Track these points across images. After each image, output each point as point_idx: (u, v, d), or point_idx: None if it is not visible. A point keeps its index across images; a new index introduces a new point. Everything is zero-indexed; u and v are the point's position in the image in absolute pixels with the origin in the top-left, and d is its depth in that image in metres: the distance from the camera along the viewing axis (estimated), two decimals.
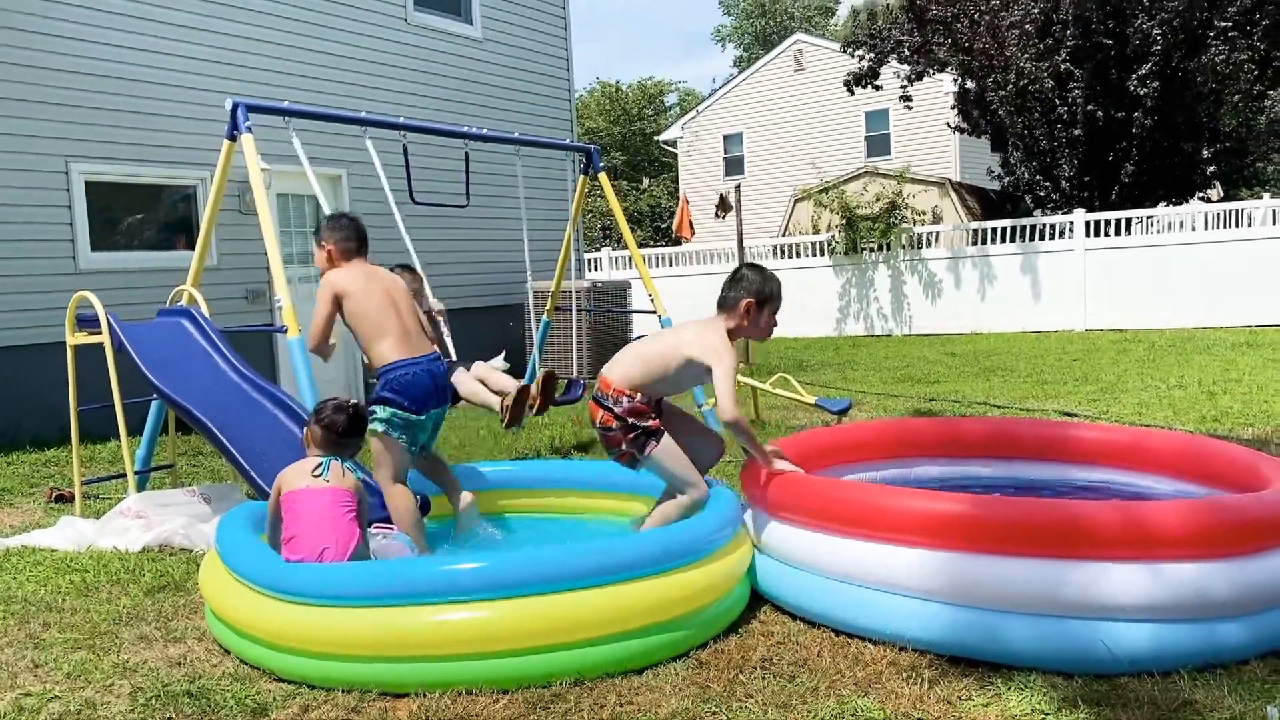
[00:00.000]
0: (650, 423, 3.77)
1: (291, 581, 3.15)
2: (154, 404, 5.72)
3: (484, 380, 4.89)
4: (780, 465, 3.68)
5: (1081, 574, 2.86)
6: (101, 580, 4.19)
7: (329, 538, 3.44)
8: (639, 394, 3.76)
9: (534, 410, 4.88)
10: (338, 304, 4.14)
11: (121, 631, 3.55)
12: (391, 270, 5.33)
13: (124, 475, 5.38)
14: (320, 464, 3.60)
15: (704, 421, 4.67)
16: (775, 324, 3.88)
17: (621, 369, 3.81)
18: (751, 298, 3.76)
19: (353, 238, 4.30)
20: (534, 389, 4.82)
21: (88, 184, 8.73)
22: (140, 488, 5.42)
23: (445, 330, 5.55)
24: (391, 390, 4.05)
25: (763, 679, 2.93)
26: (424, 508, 4.43)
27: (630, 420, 3.75)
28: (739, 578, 3.45)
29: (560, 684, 2.91)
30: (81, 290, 5.54)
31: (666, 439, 3.77)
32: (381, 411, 4.05)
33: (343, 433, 3.74)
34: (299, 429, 4.47)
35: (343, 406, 3.79)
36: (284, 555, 3.46)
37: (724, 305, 3.83)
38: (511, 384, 4.78)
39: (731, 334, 3.79)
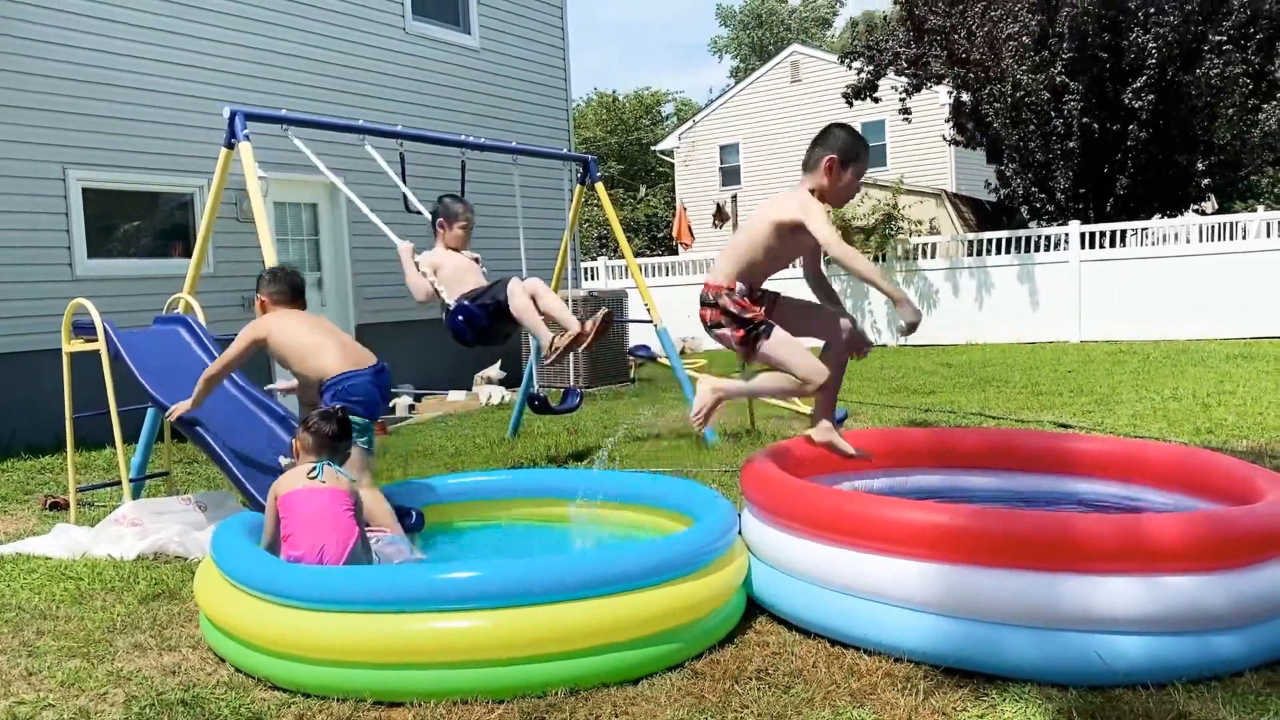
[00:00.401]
0: (753, 313, 3.68)
1: (288, 586, 3.14)
2: (149, 411, 5.71)
3: (536, 298, 4.97)
4: (907, 293, 3.62)
5: (1077, 586, 2.86)
6: (96, 588, 4.18)
7: (329, 535, 3.46)
8: (738, 284, 3.69)
9: (582, 347, 4.95)
10: (257, 347, 4.36)
11: (116, 640, 3.54)
12: (441, 200, 5.50)
13: (119, 483, 5.37)
14: (314, 468, 3.66)
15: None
16: (857, 189, 3.78)
17: (718, 268, 3.77)
18: (836, 154, 3.64)
19: (286, 291, 4.59)
20: (589, 325, 4.80)
21: (85, 191, 8.74)
22: (135, 495, 5.41)
23: (483, 270, 5.63)
24: (342, 399, 4.15)
25: (758, 690, 2.93)
26: (419, 522, 4.44)
27: (735, 311, 3.69)
28: (736, 589, 3.45)
29: (556, 693, 2.91)
30: (78, 297, 5.54)
31: (777, 331, 3.69)
32: None
33: (334, 436, 3.81)
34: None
35: (330, 414, 3.87)
36: (284, 552, 3.47)
37: (806, 165, 3.73)
38: (570, 321, 4.88)
39: (815, 196, 3.66)
